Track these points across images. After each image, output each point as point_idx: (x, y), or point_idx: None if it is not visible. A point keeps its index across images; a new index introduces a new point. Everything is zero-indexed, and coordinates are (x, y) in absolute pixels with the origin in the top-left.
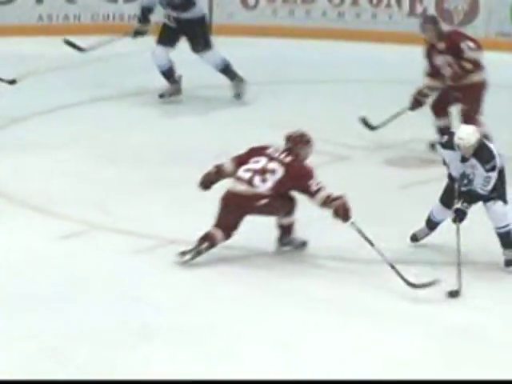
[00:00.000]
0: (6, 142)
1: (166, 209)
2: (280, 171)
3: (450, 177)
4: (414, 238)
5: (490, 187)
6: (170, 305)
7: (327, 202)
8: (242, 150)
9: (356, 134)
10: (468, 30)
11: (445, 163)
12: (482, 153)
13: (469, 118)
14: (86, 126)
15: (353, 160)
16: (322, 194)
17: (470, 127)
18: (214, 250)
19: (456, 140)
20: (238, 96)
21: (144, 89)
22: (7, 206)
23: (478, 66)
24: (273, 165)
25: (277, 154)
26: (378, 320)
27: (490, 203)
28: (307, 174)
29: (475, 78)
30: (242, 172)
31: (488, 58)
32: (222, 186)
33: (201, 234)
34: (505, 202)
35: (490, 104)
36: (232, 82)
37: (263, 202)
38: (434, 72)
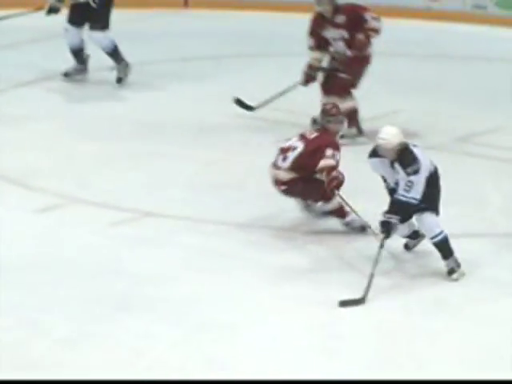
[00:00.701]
0: None
1: (142, 182)
2: (300, 147)
3: (388, 188)
4: (407, 247)
5: (413, 194)
6: (148, 277)
7: (329, 170)
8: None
9: None
10: (447, 3)
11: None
12: (404, 156)
13: (344, 88)
14: (61, 99)
15: None
16: (329, 162)
17: (393, 129)
18: (192, 225)
19: (377, 140)
20: (120, 80)
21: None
22: None
23: (379, 35)
24: (297, 143)
25: (308, 133)
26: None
27: (417, 215)
28: (326, 145)
29: (368, 50)
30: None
31: (464, 30)
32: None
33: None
34: (435, 212)
35: (468, 76)
36: (117, 65)
37: (283, 188)
38: (320, 45)
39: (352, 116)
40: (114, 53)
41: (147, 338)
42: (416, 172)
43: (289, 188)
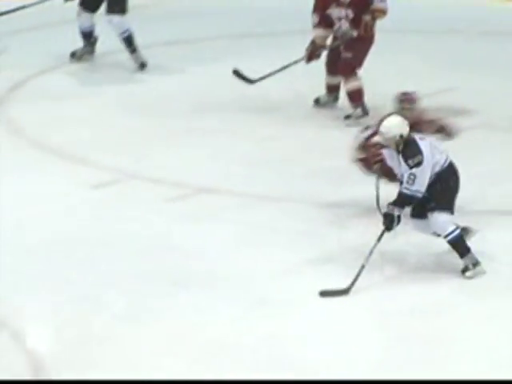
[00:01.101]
0: (36, 92)
1: (198, 158)
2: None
3: (399, 180)
4: None
5: (416, 187)
6: (203, 253)
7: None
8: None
9: None
10: None
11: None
12: (407, 147)
13: (348, 67)
14: (115, 75)
15: None
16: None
17: (395, 118)
18: (248, 201)
19: (380, 128)
20: (142, 66)
21: (175, 39)
22: (40, 155)
23: (385, 16)
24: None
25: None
26: None
27: (429, 213)
28: None
29: (372, 30)
30: None
31: None
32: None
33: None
34: (447, 210)
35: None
36: (132, 54)
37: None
38: (325, 23)
39: (357, 96)
40: (130, 40)
41: (205, 314)
42: (418, 165)
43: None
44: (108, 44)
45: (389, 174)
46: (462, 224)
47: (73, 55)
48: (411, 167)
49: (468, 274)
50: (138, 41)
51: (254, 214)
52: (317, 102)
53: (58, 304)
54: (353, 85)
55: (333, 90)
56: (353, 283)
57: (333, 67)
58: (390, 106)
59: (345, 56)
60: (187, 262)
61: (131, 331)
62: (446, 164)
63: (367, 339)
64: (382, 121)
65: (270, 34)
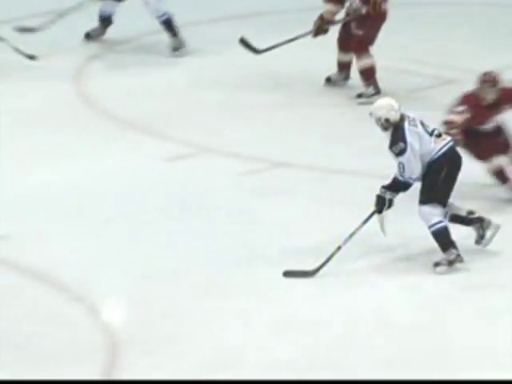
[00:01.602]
0: (112, 63)
1: (271, 132)
2: None
3: None
4: (477, 242)
5: (408, 174)
6: (278, 227)
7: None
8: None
9: None
10: None
11: None
12: (393, 133)
13: (361, 45)
14: (192, 47)
15: None
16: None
17: (384, 100)
18: (321, 175)
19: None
20: (176, 49)
21: (247, 12)
22: (116, 128)
23: None
24: None
25: None
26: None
27: (418, 206)
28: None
29: (383, 6)
30: None
31: None
32: None
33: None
34: (431, 202)
35: None
36: (172, 38)
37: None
38: None
39: (369, 74)
40: (169, 23)
41: (281, 289)
42: (401, 153)
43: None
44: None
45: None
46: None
47: (87, 36)
48: (395, 155)
49: (438, 269)
50: (214, 14)
51: (328, 187)
52: (328, 80)
53: (134, 278)
54: (365, 62)
55: (344, 67)
56: (322, 266)
57: (344, 44)
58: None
59: (356, 33)
60: (262, 236)
61: (208, 306)
62: (439, 154)
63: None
64: (461, 97)
65: None
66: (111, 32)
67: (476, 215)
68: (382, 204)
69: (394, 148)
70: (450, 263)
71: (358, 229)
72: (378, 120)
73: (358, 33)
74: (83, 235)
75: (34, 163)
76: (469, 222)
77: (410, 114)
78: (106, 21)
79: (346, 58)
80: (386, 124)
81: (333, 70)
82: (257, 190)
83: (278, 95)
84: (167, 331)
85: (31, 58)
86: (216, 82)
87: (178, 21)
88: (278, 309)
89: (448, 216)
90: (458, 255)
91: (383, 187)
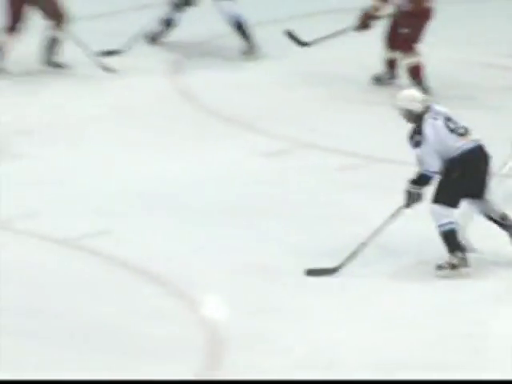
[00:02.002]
0: (211, 60)
1: (368, 126)
2: None
3: None
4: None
5: (426, 167)
6: (375, 223)
7: None
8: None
9: None
10: None
11: None
12: (413, 126)
13: (407, 43)
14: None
15: None
16: None
17: (408, 91)
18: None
19: None
20: (246, 53)
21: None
22: (215, 123)
23: None
24: None
25: None
26: None
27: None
28: None
29: (426, 4)
30: None
31: None
32: None
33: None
34: (440, 203)
35: None
36: (244, 42)
37: None
38: None
39: (416, 73)
40: (241, 27)
41: (377, 284)
42: (417, 145)
43: None
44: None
45: None
46: None
47: (151, 39)
48: (413, 147)
49: (439, 272)
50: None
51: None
52: (376, 79)
53: (233, 274)
54: (412, 61)
55: (391, 65)
56: (344, 263)
57: (390, 41)
58: None
59: (401, 31)
60: (360, 234)
61: (306, 302)
62: (457, 153)
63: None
64: None
65: None
66: (211, 25)
67: (509, 221)
68: (407, 198)
69: (411, 140)
70: (453, 267)
71: (384, 225)
72: (401, 110)
73: (404, 31)
74: (182, 230)
75: (135, 158)
76: (501, 226)
77: (439, 108)
78: (167, 25)
79: (392, 55)
80: (408, 115)
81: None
82: (354, 186)
83: (377, 90)
84: (265, 328)
85: (108, 70)
86: (314, 77)
87: (265, 16)
88: (375, 307)
89: (483, 214)
90: (463, 259)
91: (409, 181)
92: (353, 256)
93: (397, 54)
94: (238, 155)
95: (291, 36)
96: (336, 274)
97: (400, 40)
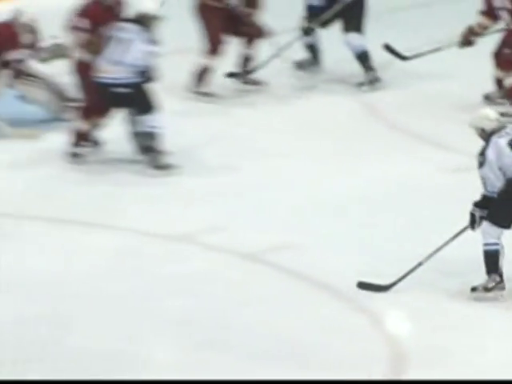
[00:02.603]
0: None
1: None
2: None
3: None
4: None
5: (489, 188)
6: None
7: None
8: None
9: None
10: None
11: None
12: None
13: (507, 63)
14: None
15: None
16: None
17: (483, 110)
18: None
19: None
20: (365, 84)
21: None
22: (401, 137)
23: None
24: None
25: None
26: None
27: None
28: None
29: None
30: None
31: None
32: None
33: None
34: (490, 222)
35: None
36: (365, 72)
37: None
38: (489, 12)
39: None
40: (364, 57)
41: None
42: (480, 165)
43: None
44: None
45: None
46: None
47: (299, 65)
48: (478, 167)
49: (474, 294)
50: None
51: None
52: (487, 98)
53: (414, 289)
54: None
55: (499, 84)
56: (397, 281)
57: (497, 60)
58: None
59: (503, 51)
60: None
61: (486, 317)
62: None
63: None
64: None
65: None
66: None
67: None
68: (472, 221)
69: (477, 159)
70: (487, 290)
71: (444, 245)
72: (475, 129)
73: (505, 51)
74: (362, 245)
75: (319, 172)
76: None
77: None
78: (312, 50)
79: (499, 74)
80: (482, 134)
81: None
82: None
83: None
84: (447, 342)
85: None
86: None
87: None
88: None
89: None
90: (499, 282)
91: (473, 204)
92: (406, 275)
93: (500, 73)
94: (424, 170)
95: (390, 50)
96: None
97: (501, 59)
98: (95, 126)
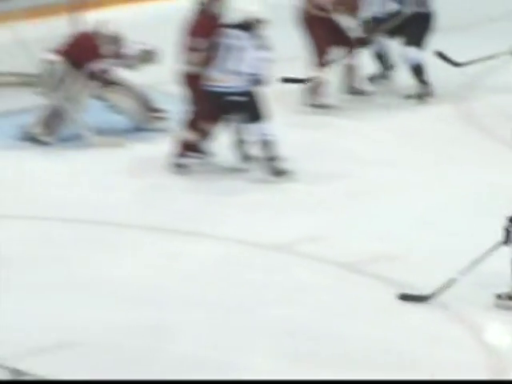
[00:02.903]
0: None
1: None
2: None
3: None
4: None
5: None
6: None
7: None
8: None
9: None
10: None
11: None
12: None
13: None
14: None
15: None
16: None
17: None
18: None
19: None
20: (418, 96)
21: None
22: (499, 148)
23: None
24: None
25: None
26: None
27: None
28: None
29: None
30: None
31: None
32: None
33: None
34: None
35: None
36: (418, 85)
37: None
38: None
39: None
40: (419, 70)
41: None
42: None
43: None
44: None
45: None
46: None
47: (371, 79)
48: None
49: (498, 301)
50: None
51: None
52: None
53: None
54: None
55: None
56: (437, 292)
57: None
58: None
59: None
60: None
61: None
62: None
63: None
64: None
65: None
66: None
67: None
68: (506, 236)
69: None
70: (511, 298)
71: (480, 260)
72: None
73: None
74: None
75: (419, 182)
76: None
77: None
78: (380, 59)
79: None
80: None
81: None
82: None
83: None
84: None
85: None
86: None
87: None
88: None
89: None
90: None
91: (508, 219)
92: (446, 287)
93: None
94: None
95: (442, 56)
96: None
97: None
98: (204, 136)
